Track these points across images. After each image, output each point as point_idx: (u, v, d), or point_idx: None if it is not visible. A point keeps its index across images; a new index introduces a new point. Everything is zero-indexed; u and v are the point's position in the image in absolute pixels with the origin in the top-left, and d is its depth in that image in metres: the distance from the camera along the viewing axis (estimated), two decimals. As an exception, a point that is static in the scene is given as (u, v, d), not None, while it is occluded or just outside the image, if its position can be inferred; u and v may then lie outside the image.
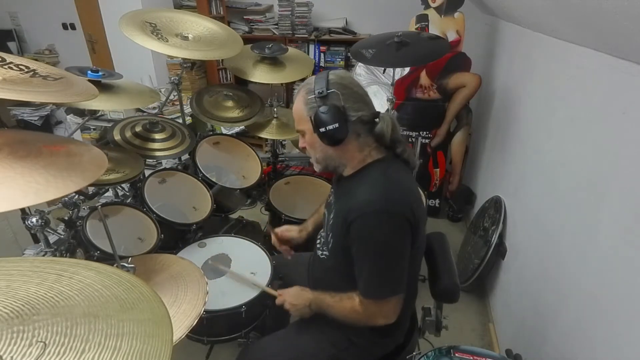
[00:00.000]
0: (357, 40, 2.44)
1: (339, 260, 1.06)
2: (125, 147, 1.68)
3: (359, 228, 0.94)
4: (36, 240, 1.56)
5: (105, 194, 1.91)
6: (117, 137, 1.71)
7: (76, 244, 1.41)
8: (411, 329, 1.22)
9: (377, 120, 1.00)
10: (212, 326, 1.26)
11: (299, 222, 1.42)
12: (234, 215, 2.15)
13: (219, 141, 2.12)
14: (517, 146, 1.90)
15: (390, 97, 2.09)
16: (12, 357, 0.46)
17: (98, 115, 2.87)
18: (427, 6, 2.45)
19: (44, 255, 1.24)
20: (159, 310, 0.59)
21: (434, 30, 2.46)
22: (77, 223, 1.39)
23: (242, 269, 1.40)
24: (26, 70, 0.94)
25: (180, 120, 2.19)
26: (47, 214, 1.18)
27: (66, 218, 1.40)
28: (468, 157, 2.90)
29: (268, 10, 3.65)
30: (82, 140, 2.94)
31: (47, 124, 3.54)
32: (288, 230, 1.37)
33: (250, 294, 1.28)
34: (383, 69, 2.87)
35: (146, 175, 1.73)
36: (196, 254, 1.48)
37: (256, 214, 2.63)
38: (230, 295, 1.29)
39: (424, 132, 2.64)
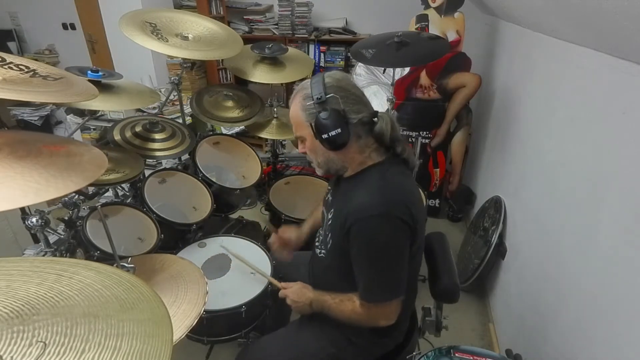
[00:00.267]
0: (357, 40, 2.44)
1: (336, 261, 1.06)
2: (125, 147, 1.68)
3: (358, 232, 0.94)
4: (36, 240, 1.56)
5: (105, 194, 1.91)
6: (117, 137, 1.71)
7: (76, 244, 1.41)
8: (411, 329, 1.22)
9: (375, 119, 0.99)
10: (212, 326, 1.26)
11: (299, 222, 1.42)
12: (234, 215, 2.15)
13: (219, 141, 2.12)
14: (517, 146, 1.90)
15: (390, 97, 2.09)
16: (12, 357, 0.46)
17: (98, 115, 2.87)
18: (427, 6, 2.45)
19: (44, 255, 1.24)
20: (159, 310, 0.59)
21: (434, 30, 2.46)
22: (77, 223, 1.40)
23: (242, 269, 1.40)
24: (26, 70, 0.94)
25: (180, 120, 2.19)
26: (47, 214, 1.18)
27: (66, 218, 1.40)
28: (468, 157, 2.90)
29: (268, 10, 3.65)
30: (82, 140, 2.94)
31: (47, 124, 3.55)
32: (287, 232, 1.37)
33: (251, 294, 1.28)
34: (383, 69, 2.87)
35: (146, 175, 1.74)
36: (196, 254, 1.48)
37: (256, 214, 2.63)
38: (230, 295, 1.29)
39: (424, 132, 2.63)
